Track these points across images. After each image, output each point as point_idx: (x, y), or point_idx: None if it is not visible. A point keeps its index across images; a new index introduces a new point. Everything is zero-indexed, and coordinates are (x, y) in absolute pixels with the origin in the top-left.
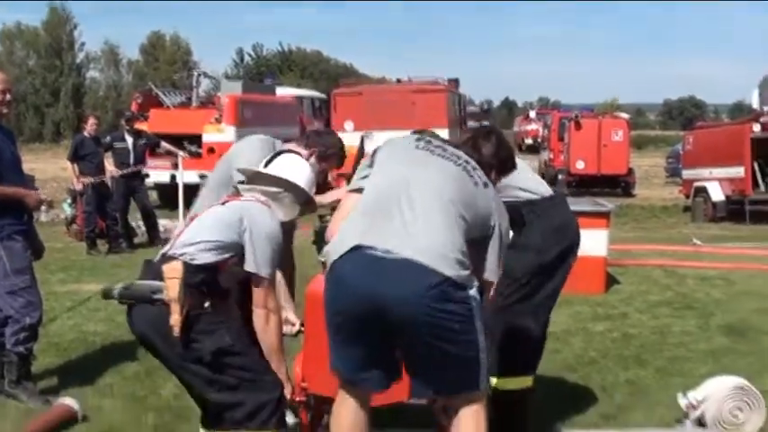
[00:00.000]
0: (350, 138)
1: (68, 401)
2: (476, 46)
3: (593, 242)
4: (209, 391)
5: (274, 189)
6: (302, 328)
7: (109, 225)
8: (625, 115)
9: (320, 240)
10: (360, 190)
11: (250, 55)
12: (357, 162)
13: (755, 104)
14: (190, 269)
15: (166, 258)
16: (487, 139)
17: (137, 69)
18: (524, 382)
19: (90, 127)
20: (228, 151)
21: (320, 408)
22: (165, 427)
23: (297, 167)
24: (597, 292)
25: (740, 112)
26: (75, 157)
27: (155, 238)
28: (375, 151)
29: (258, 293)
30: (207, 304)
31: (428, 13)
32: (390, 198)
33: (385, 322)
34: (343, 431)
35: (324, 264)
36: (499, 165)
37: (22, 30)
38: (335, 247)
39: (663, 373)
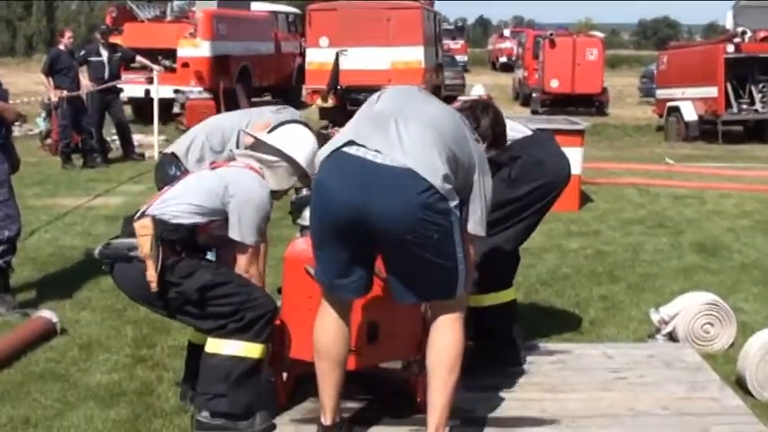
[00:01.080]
0: (325, 54)
1: (47, 314)
2: None
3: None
4: (208, 325)
5: (271, 158)
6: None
7: (84, 139)
8: (600, 34)
9: (296, 211)
10: None
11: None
12: (333, 77)
13: (729, 25)
14: (168, 226)
15: (143, 216)
16: (486, 112)
17: None
18: (500, 297)
19: (66, 40)
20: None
21: (296, 372)
22: (143, 340)
23: (300, 139)
24: (571, 209)
25: (714, 32)
26: (51, 70)
27: (130, 152)
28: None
29: (241, 260)
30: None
31: None
32: (387, 114)
33: (369, 228)
34: (323, 341)
35: (302, 229)
36: (493, 138)
37: None
38: (327, 146)
39: (635, 289)
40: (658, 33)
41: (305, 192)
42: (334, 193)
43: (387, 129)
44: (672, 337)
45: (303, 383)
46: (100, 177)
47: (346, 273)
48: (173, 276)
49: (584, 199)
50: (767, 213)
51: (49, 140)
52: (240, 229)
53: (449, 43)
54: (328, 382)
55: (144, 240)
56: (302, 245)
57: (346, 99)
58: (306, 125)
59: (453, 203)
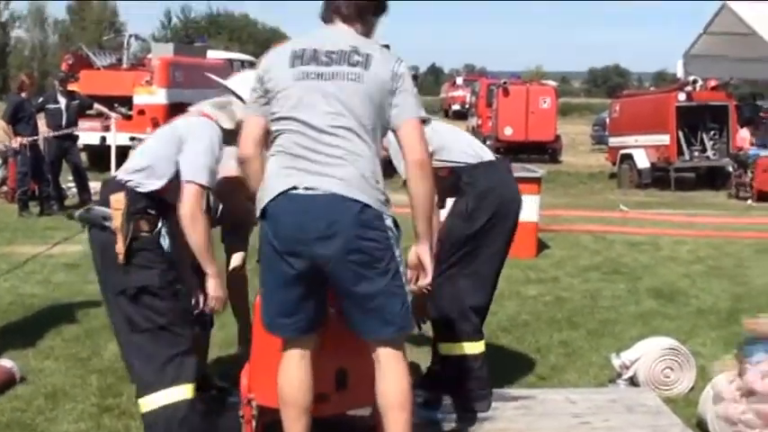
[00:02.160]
0: None
1: (5, 363)
2: (403, 13)
3: (525, 208)
4: (124, 331)
5: (223, 99)
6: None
7: (41, 187)
8: (552, 83)
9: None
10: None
11: (178, 17)
12: None
13: (680, 74)
14: (134, 197)
15: (115, 184)
16: None
17: (63, 30)
18: (472, 347)
19: (29, 89)
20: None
21: (264, 420)
22: (109, 389)
23: (246, 77)
24: (529, 256)
25: (663, 80)
26: (13, 118)
27: (86, 199)
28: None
29: (187, 197)
30: (158, 226)
31: None
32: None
33: (313, 258)
34: (288, 389)
35: None
36: None
37: None
38: (264, 195)
39: (594, 335)
40: (608, 81)
41: None
42: (277, 229)
43: (312, 155)
44: (633, 381)
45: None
46: (58, 225)
47: (291, 312)
48: (131, 261)
49: (541, 246)
50: (721, 259)
51: (5, 188)
52: (189, 169)
53: None
54: (294, 431)
55: (116, 214)
56: None
57: None
58: None
59: (388, 220)
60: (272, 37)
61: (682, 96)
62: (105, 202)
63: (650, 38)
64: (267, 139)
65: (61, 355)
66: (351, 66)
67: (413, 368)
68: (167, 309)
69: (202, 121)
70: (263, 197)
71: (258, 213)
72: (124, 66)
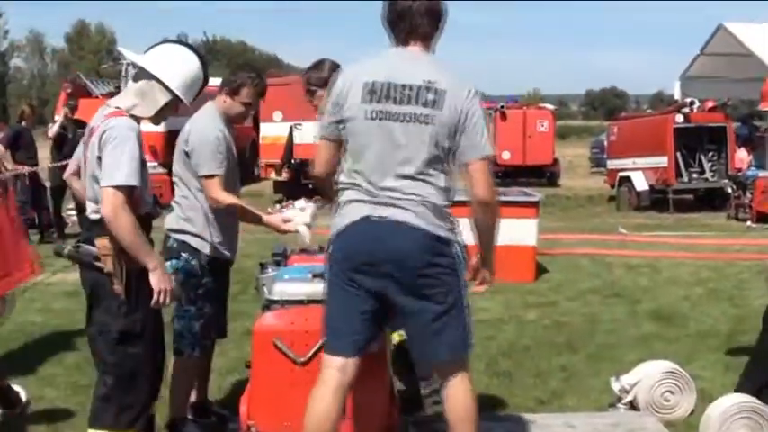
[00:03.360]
0: (279, 128)
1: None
2: None
3: (523, 232)
4: (99, 367)
5: (144, 85)
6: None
7: (42, 215)
8: (550, 106)
9: (262, 287)
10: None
11: (187, 45)
12: (287, 151)
13: (677, 95)
14: (98, 227)
15: (92, 223)
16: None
17: (62, 58)
18: None
19: (30, 118)
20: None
21: None
22: None
23: (161, 55)
24: (527, 280)
25: (661, 102)
26: (13, 146)
27: None
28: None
29: (103, 201)
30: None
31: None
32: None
33: (380, 280)
34: (314, 416)
35: (267, 305)
36: None
37: None
38: (336, 222)
39: (594, 359)
40: (606, 104)
41: (270, 270)
42: (350, 250)
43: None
44: (633, 405)
45: None
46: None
47: (351, 330)
48: (119, 301)
49: (540, 270)
50: (721, 281)
51: None
52: (103, 175)
53: None
54: None
55: (106, 259)
56: (271, 319)
57: (300, 173)
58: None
59: (456, 248)
60: (270, 64)
61: (679, 118)
62: (91, 241)
63: (647, 60)
64: (338, 158)
65: (62, 383)
66: (423, 106)
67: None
68: (140, 356)
69: (115, 126)
70: (336, 224)
71: (331, 240)
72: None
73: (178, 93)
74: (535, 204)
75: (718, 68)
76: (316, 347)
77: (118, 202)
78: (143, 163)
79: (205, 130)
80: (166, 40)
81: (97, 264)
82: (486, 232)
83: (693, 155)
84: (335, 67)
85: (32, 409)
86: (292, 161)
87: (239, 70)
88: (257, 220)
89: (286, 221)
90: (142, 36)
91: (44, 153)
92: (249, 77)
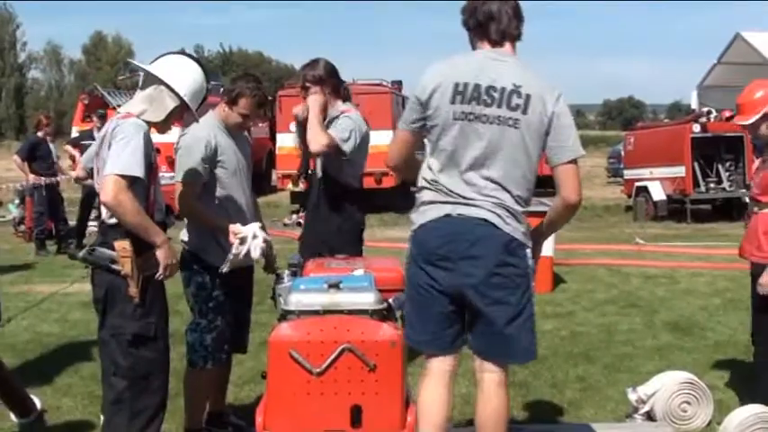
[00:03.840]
0: (294, 138)
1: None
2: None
3: None
4: (109, 372)
5: (153, 91)
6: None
7: (59, 226)
8: None
9: (278, 297)
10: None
11: (191, 56)
12: (303, 161)
13: (694, 105)
14: (135, 237)
15: (109, 228)
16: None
17: (79, 70)
18: None
19: (45, 128)
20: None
21: None
22: None
23: (173, 65)
24: (545, 291)
25: (678, 111)
26: (30, 157)
27: None
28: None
29: (104, 187)
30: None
31: (370, 14)
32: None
33: (458, 276)
34: (428, 409)
35: (284, 315)
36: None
37: None
38: (417, 220)
39: (611, 370)
40: (623, 113)
41: (286, 279)
42: (428, 251)
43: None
44: (650, 416)
45: None
46: (74, 263)
47: (433, 328)
48: (133, 305)
49: (557, 280)
50: (738, 291)
51: (23, 227)
52: (108, 165)
53: None
54: None
55: (125, 261)
56: (286, 329)
57: None
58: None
59: (528, 251)
60: (287, 75)
61: (696, 128)
62: (108, 245)
63: (665, 69)
64: (413, 154)
65: (78, 393)
66: (510, 110)
67: None
68: (153, 359)
69: (123, 124)
70: (416, 221)
71: (411, 237)
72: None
73: (186, 99)
74: None
75: (736, 77)
76: (331, 358)
77: (118, 188)
78: (152, 167)
79: (189, 134)
80: (170, 52)
81: (113, 267)
82: (553, 228)
83: (711, 165)
84: (330, 66)
85: (49, 419)
86: (309, 171)
87: (240, 79)
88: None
89: (235, 233)
90: (159, 47)
91: (64, 163)
92: (248, 88)
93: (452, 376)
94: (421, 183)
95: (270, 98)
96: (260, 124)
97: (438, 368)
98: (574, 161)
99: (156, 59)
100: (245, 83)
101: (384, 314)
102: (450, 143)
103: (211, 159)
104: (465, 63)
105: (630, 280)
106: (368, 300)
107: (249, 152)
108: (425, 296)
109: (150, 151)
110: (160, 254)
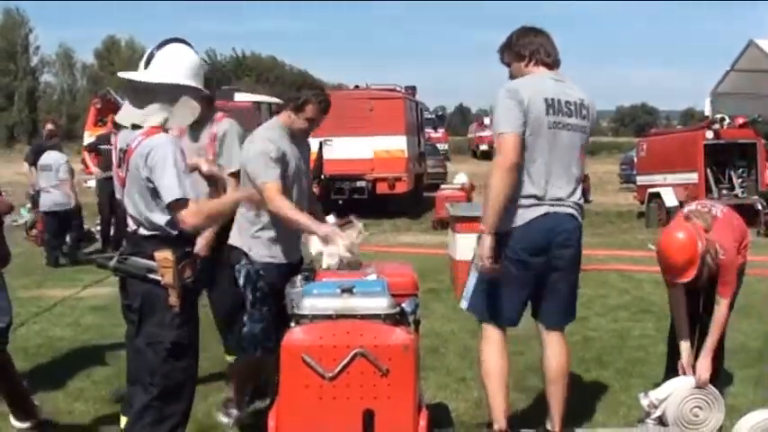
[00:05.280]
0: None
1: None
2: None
3: None
4: (145, 379)
5: (180, 101)
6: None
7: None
8: None
9: (291, 301)
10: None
11: (204, 60)
12: (317, 167)
13: (708, 112)
14: (175, 246)
15: (143, 239)
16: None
17: (92, 74)
18: None
19: (55, 135)
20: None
21: None
22: None
23: (167, 60)
24: None
25: (691, 118)
26: (35, 161)
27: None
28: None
29: (183, 218)
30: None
31: (382, 20)
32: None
33: (551, 262)
34: (493, 365)
35: (297, 319)
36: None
37: None
38: (514, 217)
39: (623, 375)
40: (636, 120)
41: (298, 283)
42: (528, 237)
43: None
44: (662, 421)
45: None
46: (87, 268)
47: (516, 306)
48: (171, 314)
49: None
50: (750, 297)
51: (34, 231)
52: (168, 190)
53: (430, 132)
54: (498, 398)
55: (167, 271)
56: (299, 334)
57: (330, 188)
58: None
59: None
60: (299, 79)
61: (709, 134)
62: (143, 254)
63: (678, 76)
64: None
65: (90, 398)
66: (582, 119)
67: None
68: (186, 368)
69: (154, 142)
70: (514, 219)
71: (504, 230)
72: None
73: (193, 84)
74: None
75: (749, 84)
76: (344, 363)
77: (189, 214)
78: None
79: (253, 140)
80: (151, 49)
81: (151, 276)
82: None
83: (723, 171)
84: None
85: (62, 422)
86: (322, 177)
87: (303, 87)
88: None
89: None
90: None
91: (76, 167)
92: (314, 95)
93: (506, 342)
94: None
95: (282, 102)
96: None
97: (497, 334)
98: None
99: (147, 64)
100: (310, 90)
101: (397, 319)
102: (542, 148)
103: (281, 162)
104: (543, 82)
105: (643, 286)
106: (381, 304)
107: (309, 157)
108: (519, 282)
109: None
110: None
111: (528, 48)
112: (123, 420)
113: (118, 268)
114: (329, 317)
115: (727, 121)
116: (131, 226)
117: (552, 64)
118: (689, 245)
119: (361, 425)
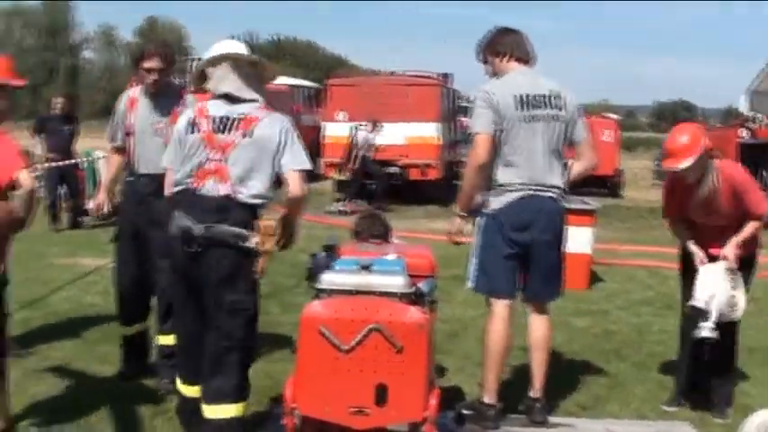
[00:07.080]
0: (341, 128)
1: None
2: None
3: (579, 239)
4: (223, 342)
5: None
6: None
7: (72, 201)
8: (614, 116)
9: (312, 275)
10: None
11: (246, 41)
12: (349, 150)
13: (743, 109)
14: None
15: (243, 207)
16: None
17: (132, 52)
18: None
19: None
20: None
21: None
22: (162, 393)
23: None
24: (580, 288)
25: (731, 116)
26: (41, 133)
27: None
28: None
29: (299, 182)
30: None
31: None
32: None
33: (535, 240)
34: (492, 346)
35: (317, 293)
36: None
37: (24, 9)
38: (499, 198)
39: (641, 368)
40: (675, 116)
41: (319, 256)
42: (512, 217)
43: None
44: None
45: None
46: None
47: (508, 278)
48: (256, 278)
49: (595, 279)
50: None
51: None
52: (300, 160)
53: (465, 120)
54: (492, 374)
55: (267, 239)
56: (318, 307)
57: (362, 173)
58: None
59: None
60: (336, 64)
61: (744, 133)
62: (233, 221)
63: (720, 73)
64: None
65: (116, 361)
66: (554, 108)
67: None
68: (255, 331)
69: (281, 116)
70: (499, 200)
71: (488, 211)
72: (190, 88)
73: (252, 58)
74: (591, 213)
75: None
76: (360, 336)
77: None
78: None
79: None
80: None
81: (240, 243)
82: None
83: (756, 170)
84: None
85: (89, 385)
86: (357, 158)
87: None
88: None
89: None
90: (211, 33)
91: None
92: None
93: (511, 316)
94: (497, 177)
95: (318, 87)
96: (308, 113)
97: (504, 312)
98: (587, 139)
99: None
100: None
101: (413, 298)
102: (520, 139)
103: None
104: (511, 80)
105: (668, 282)
106: (398, 282)
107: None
108: (505, 257)
109: None
110: None
111: (504, 46)
112: (192, 390)
113: (205, 237)
114: (348, 292)
115: (760, 118)
116: (220, 191)
117: (526, 60)
118: (692, 129)
119: (373, 398)
